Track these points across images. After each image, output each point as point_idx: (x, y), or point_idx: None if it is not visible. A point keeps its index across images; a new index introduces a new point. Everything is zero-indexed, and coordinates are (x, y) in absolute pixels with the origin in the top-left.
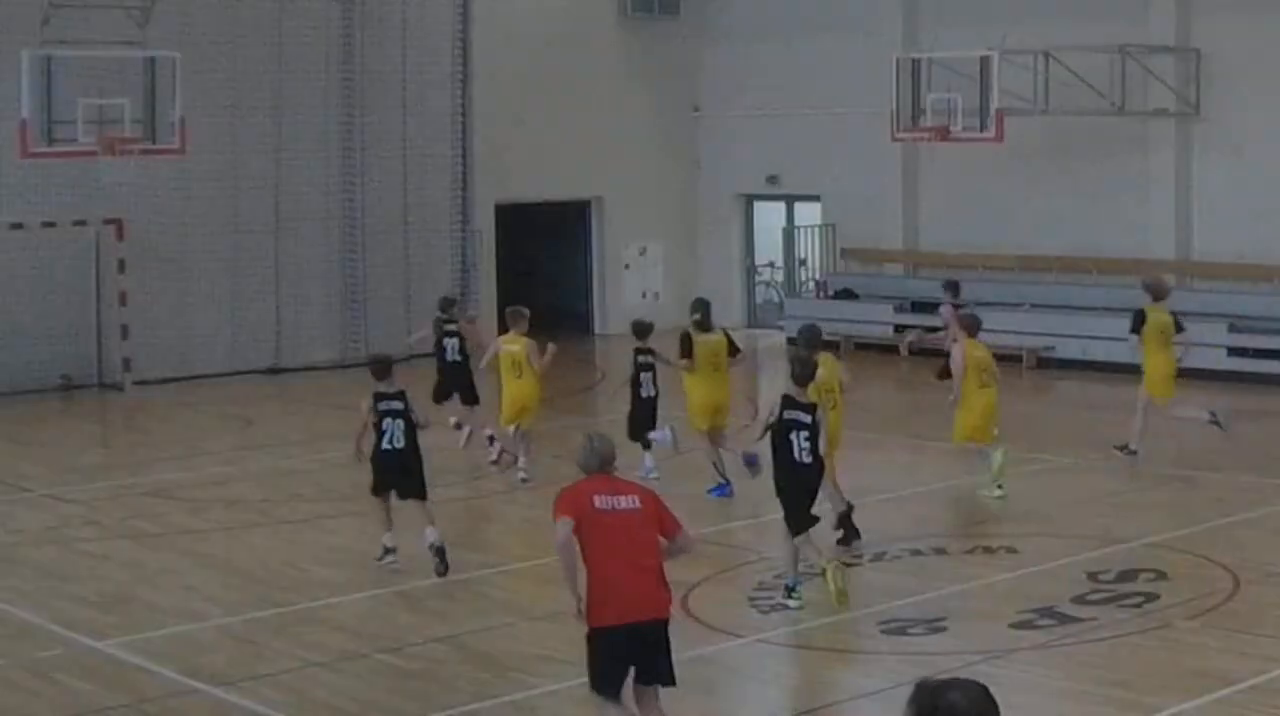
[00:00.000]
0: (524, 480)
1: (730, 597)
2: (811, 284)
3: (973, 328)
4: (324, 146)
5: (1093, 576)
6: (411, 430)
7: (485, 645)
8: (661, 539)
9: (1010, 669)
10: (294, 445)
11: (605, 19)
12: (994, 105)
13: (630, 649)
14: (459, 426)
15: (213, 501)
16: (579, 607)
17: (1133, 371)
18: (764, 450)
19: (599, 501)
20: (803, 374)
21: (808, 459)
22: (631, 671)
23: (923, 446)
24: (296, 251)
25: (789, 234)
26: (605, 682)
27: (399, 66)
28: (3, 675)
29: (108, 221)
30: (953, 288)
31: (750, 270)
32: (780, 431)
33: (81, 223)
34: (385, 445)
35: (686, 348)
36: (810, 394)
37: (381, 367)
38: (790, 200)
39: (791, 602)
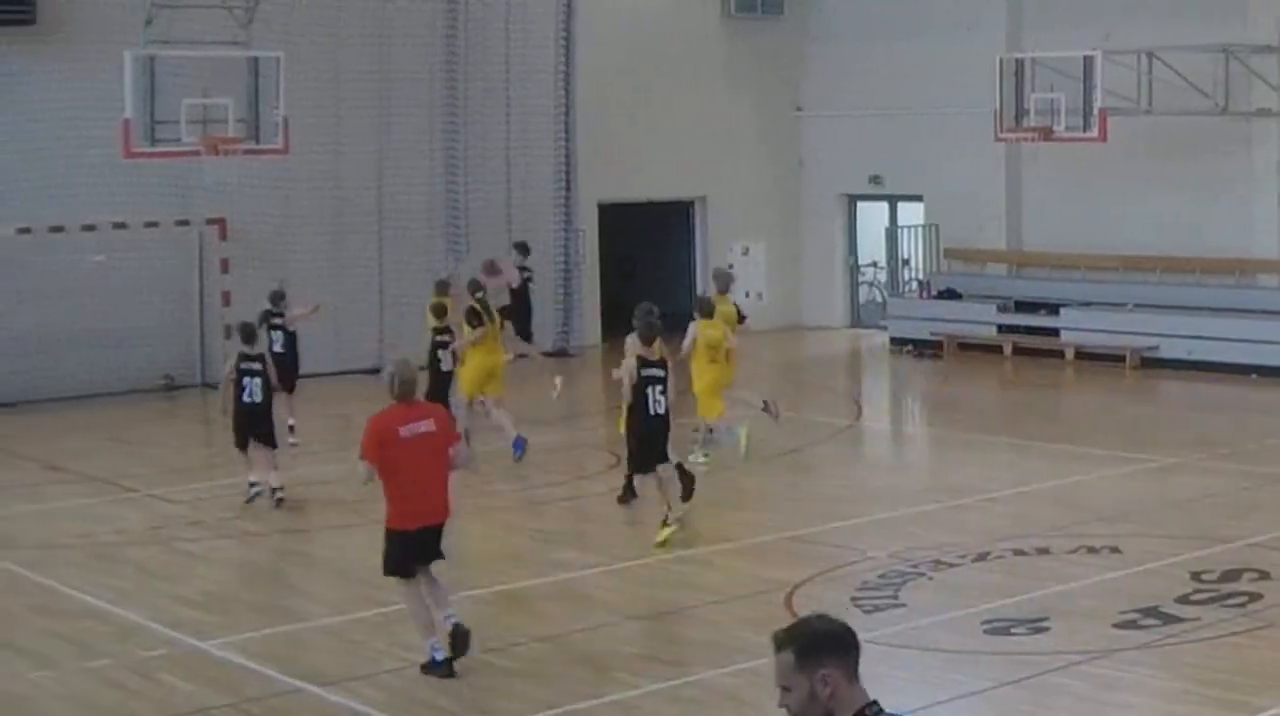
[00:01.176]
0: None
1: (834, 598)
2: (914, 284)
3: (705, 309)
4: (426, 146)
5: (1196, 576)
6: (267, 387)
7: (587, 645)
8: (450, 451)
9: (1113, 669)
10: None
11: (708, 18)
12: (1097, 105)
13: (421, 543)
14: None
15: (314, 501)
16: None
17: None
18: None
19: (403, 431)
20: (648, 334)
21: (660, 410)
22: None
23: (1025, 446)
24: (399, 251)
25: (892, 234)
26: (402, 569)
27: (502, 65)
28: (107, 675)
29: (210, 221)
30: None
31: (853, 270)
32: (639, 387)
33: (184, 223)
34: (245, 399)
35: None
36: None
37: (248, 332)
38: (893, 200)
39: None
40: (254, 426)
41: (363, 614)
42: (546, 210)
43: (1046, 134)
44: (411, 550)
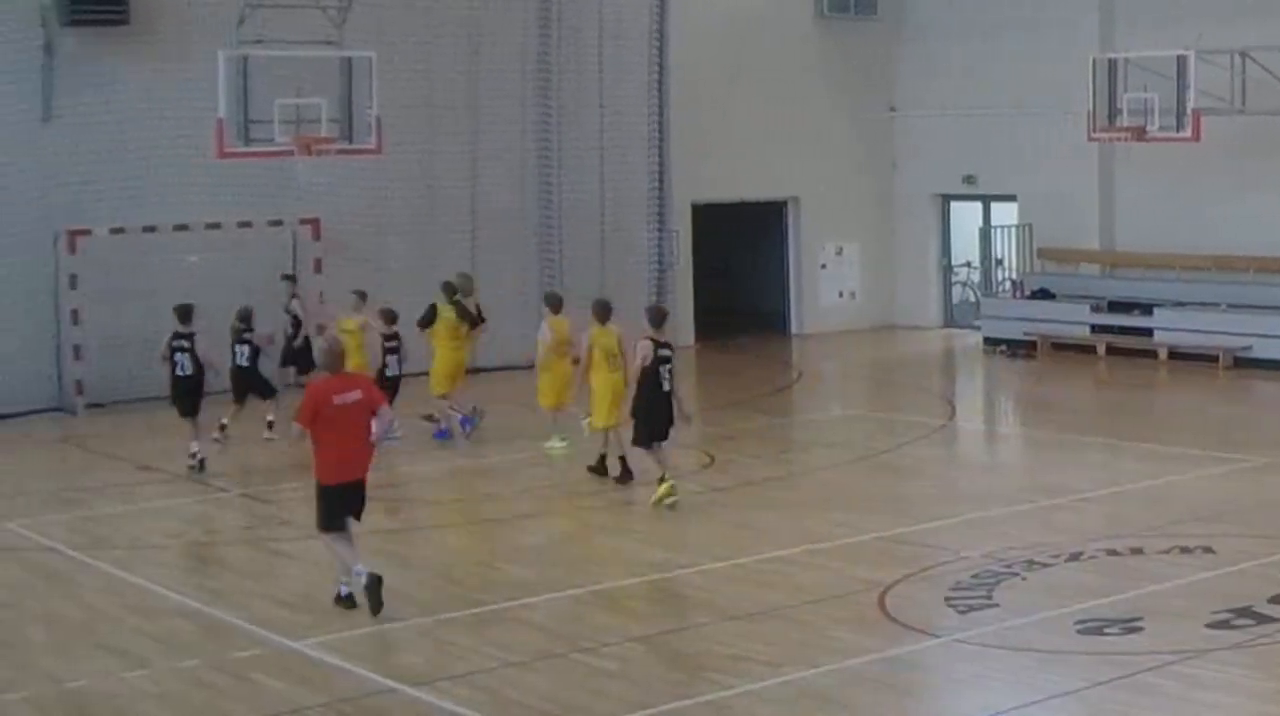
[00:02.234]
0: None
1: (927, 597)
2: (1008, 284)
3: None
4: (519, 145)
5: None
6: (197, 362)
7: (681, 645)
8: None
9: (1207, 669)
10: (487, 443)
11: (801, 18)
12: (1190, 105)
13: (346, 497)
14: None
15: (407, 500)
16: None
17: None
18: None
19: (336, 399)
20: (658, 319)
21: (668, 387)
22: None
23: (1118, 446)
24: (491, 251)
25: (985, 234)
26: (333, 522)
27: (595, 65)
28: (200, 675)
29: (304, 221)
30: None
31: (947, 270)
32: (653, 365)
33: (278, 222)
34: (177, 372)
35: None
36: (597, 357)
37: (184, 312)
38: (987, 200)
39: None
40: (190, 398)
41: (455, 614)
42: (639, 210)
43: (1139, 134)
44: (341, 503)
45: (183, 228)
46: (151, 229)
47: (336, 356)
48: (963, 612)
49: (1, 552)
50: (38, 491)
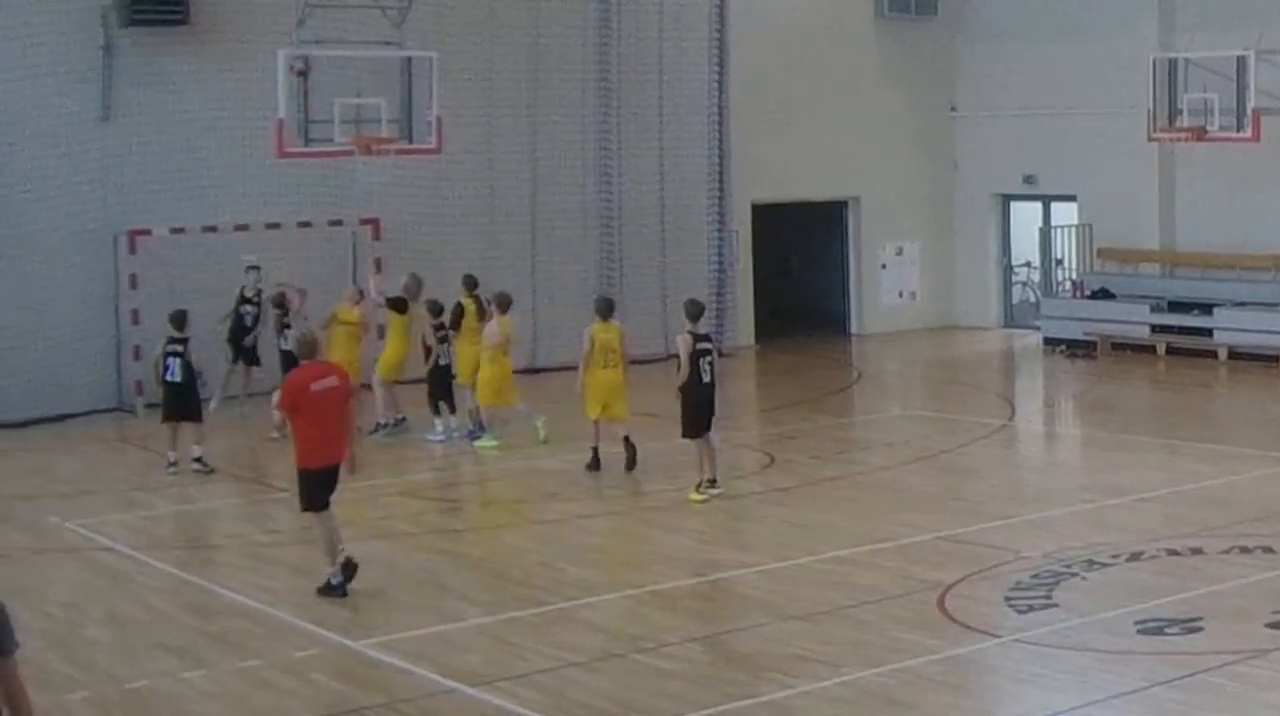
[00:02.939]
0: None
1: (987, 597)
2: (1068, 283)
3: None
4: (580, 145)
5: None
6: (189, 367)
7: (742, 645)
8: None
9: (1268, 669)
10: (546, 445)
11: (861, 18)
12: (1251, 105)
13: (325, 481)
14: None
15: (468, 501)
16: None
17: None
18: None
19: (315, 386)
20: (695, 313)
21: (708, 379)
22: None
23: (1178, 446)
24: (552, 251)
25: (1045, 233)
26: (314, 504)
27: (655, 64)
28: (259, 674)
29: (364, 221)
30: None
31: (1007, 270)
32: (694, 358)
33: (338, 222)
34: (167, 377)
35: None
36: (597, 352)
37: (178, 318)
38: (1047, 200)
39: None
40: (178, 403)
41: (516, 613)
42: (699, 210)
43: (1200, 134)
44: (321, 486)
45: (243, 227)
46: (212, 229)
47: (311, 345)
48: (1022, 612)
49: (62, 553)
50: (98, 491)
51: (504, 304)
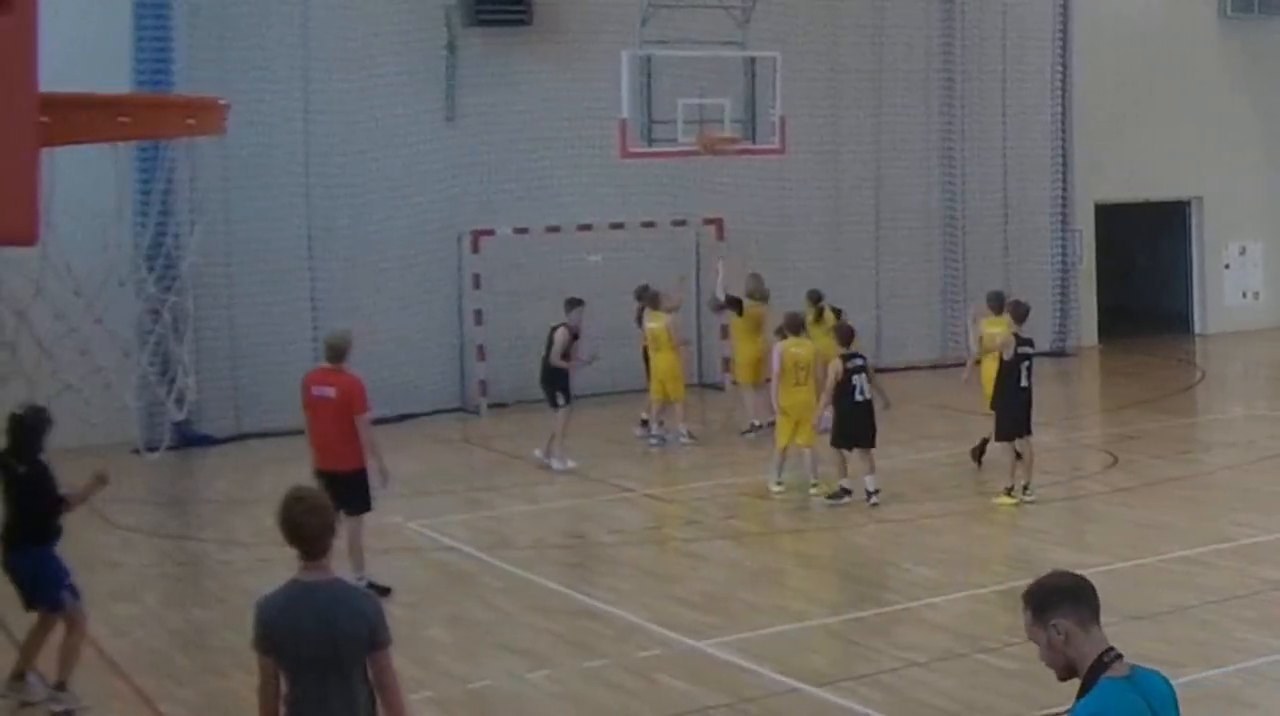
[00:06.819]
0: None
1: None
2: None
3: (794, 327)
4: (923, 145)
5: None
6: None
7: None
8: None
9: None
10: (894, 443)
11: (1205, 19)
12: None
13: (327, 484)
14: None
15: (811, 499)
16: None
17: None
18: None
19: (315, 390)
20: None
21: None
22: None
23: None
24: (895, 252)
25: None
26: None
27: (998, 65)
28: (605, 675)
29: (707, 221)
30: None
31: None
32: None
33: (681, 222)
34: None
35: None
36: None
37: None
38: None
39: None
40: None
41: (861, 613)
42: (1043, 210)
43: None
44: (325, 487)
45: (586, 227)
46: (555, 229)
47: (331, 349)
48: None
49: (404, 552)
50: (440, 491)
51: (795, 326)
